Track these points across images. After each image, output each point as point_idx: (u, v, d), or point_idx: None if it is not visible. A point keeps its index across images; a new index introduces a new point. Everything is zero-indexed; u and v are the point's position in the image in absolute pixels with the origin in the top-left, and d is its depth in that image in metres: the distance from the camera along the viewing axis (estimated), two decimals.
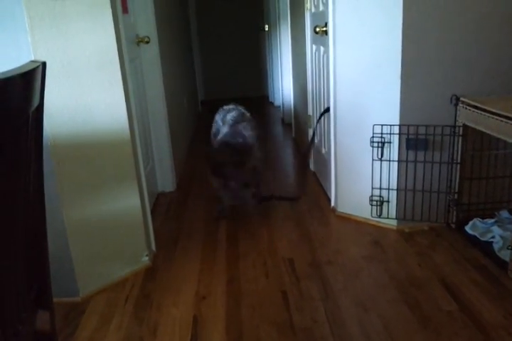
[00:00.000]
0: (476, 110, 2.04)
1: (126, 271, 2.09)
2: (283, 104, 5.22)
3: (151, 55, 2.93)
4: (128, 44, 2.23)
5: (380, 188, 2.38)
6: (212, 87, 6.88)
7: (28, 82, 0.86)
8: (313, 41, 3.01)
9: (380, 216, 2.42)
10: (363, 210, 2.48)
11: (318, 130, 3.03)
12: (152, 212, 2.72)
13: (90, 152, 1.90)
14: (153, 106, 3.00)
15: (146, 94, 2.96)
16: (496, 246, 2.05)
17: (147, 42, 2.83)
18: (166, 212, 2.82)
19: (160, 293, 1.94)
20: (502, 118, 1.85)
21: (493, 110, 1.91)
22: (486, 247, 2.09)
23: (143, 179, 2.17)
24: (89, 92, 1.84)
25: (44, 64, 0.98)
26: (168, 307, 1.84)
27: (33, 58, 1.70)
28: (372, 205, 2.42)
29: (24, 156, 0.88)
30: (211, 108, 6.28)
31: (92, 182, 1.92)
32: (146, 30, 2.86)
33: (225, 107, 2.72)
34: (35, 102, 0.93)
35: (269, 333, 1.66)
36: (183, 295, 1.92)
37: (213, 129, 2.71)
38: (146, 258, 2.15)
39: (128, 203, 2.04)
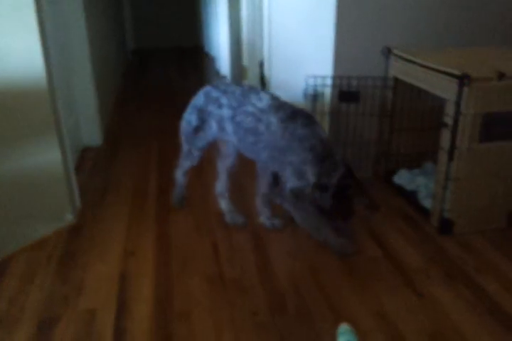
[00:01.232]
0: (406, 62, 2.04)
1: (49, 229, 1.98)
2: (219, 54, 5.04)
3: None
4: None
5: None
6: (144, 36, 6.53)
7: None
8: None
9: None
10: None
11: (251, 79, 2.94)
12: (77, 167, 2.58)
13: (3, 102, 1.75)
14: (76, 53, 2.78)
15: (69, 41, 2.72)
16: (420, 195, 2.13)
17: None
18: (93, 167, 2.69)
19: (85, 251, 1.87)
20: (429, 70, 1.86)
21: (422, 62, 1.92)
22: (411, 196, 2.16)
23: (64, 132, 2.03)
24: (1, 37, 1.68)
25: None
26: (94, 265, 1.78)
27: None
28: None
29: None
30: (141, 57, 6.01)
31: (5, 134, 1.78)
32: None
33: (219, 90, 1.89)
34: None
35: (199, 285, 1.65)
36: (109, 252, 1.86)
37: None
38: (70, 215, 2.05)
39: (47, 158, 1.92)
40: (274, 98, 1.83)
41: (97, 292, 1.63)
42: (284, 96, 2.40)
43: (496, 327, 1.45)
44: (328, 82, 2.23)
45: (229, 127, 1.84)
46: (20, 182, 1.85)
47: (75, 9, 2.71)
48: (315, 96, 2.28)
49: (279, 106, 1.79)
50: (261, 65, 2.50)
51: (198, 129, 1.94)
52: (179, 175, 2.15)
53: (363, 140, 2.34)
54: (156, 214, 2.15)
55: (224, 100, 1.83)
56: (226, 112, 1.82)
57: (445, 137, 1.82)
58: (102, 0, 3.78)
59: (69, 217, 2.04)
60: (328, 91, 2.25)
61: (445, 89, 1.79)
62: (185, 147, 2.03)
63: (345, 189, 1.72)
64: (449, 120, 1.78)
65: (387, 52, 2.17)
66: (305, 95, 2.28)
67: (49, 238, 1.95)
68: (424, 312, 1.51)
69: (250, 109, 1.78)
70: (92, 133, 2.97)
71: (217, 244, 1.89)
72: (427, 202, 2.05)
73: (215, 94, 1.87)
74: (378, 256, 1.80)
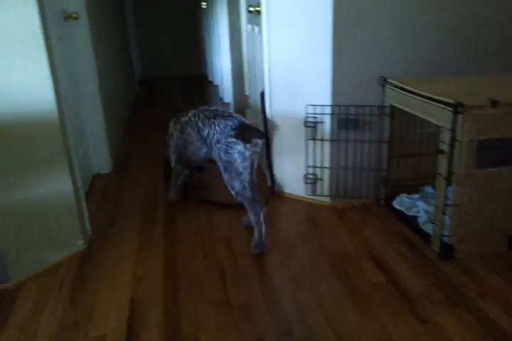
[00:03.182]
0: (401, 91, 2.13)
1: (61, 255, 2.04)
2: (222, 83, 5.18)
3: (81, 32, 2.82)
4: (54, 20, 2.13)
5: (314, 167, 2.45)
6: (150, 66, 6.71)
7: None
8: (248, 21, 3.00)
9: (314, 194, 2.50)
10: (298, 188, 2.55)
11: (253, 108, 3.01)
12: (87, 194, 2.66)
13: (15, 134, 1.82)
14: (84, 84, 2.89)
15: (77, 73, 2.84)
16: (420, 220, 2.18)
17: (76, 18, 2.70)
18: (103, 194, 2.77)
19: (96, 277, 1.92)
20: (425, 99, 1.94)
21: (416, 91, 2.00)
22: (412, 221, 2.22)
23: (75, 161, 2.11)
24: (13, 71, 1.76)
25: None
26: (104, 291, 1.83)
27: None
28: (306, 183, 2.50)
29: None
30: (149, 87, 6.17)
31: (18, 165, 1.85)
32: (74, 5, 2.73)
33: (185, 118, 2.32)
34: None
35: (206, 311, 1.69)
36: (119, 278, 1.91)
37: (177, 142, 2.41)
38: (81, 242, 2.11)
39: (59, 186, 1.99)
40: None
41: (107, 318, 1.67)
42: (285, 124, 2.50)
43: None
44: (327, 110, 2.32)
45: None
46: (33, 210, 1.92)
47: (83, 43, 2.83)
48: (315, 124, 2.36)
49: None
50: (262, 94, 2.60)
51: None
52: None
53: (363, 166, 2.42)
54: (163, 239, 2.21)
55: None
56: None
57: (442, 164, 1.89)
58: (109, 32, 3.93)
59: (80, 244, 2.10)
60: (327, 120, 2.34)
61: (440, 117, 1.86)
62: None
63: None
64: (445, 147, 1.85)
65: (383, 81, 2.27)
66: (305, 123, 2.37)
67: (60, 264, 2.01)
68: (428, 338, 1.54)
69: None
70: (101, 161, 3.06)
71: (223, 270, 1.94)
72: (427, 227, 2.10)
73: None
74: (381, 281, 1.84)
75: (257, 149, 2.08)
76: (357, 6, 2.15)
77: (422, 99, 1.96)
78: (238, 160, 2.03)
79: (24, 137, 1.85)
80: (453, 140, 1.81)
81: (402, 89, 2.12)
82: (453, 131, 1.80)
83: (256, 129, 2.10)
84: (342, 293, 1.77)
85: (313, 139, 2.39)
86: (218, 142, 2.07)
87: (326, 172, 2.44)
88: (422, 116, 2.01)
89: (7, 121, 1.79)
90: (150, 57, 6.68)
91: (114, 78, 3.90)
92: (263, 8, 2.43)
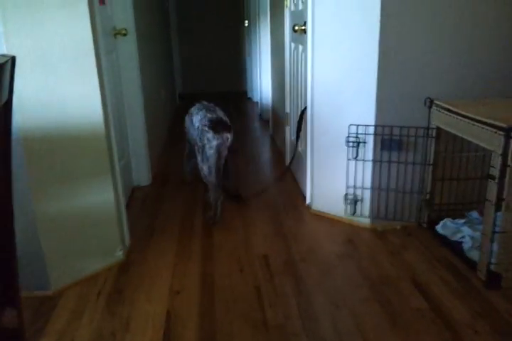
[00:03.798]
0: (448, 113, 2.08)
1: (100, 265, 2.06)
2: (261, 100, 5.22)
3: (129, 47, 2.89)
4: (104, 36, 2.20)
5: (355, 187, 2.42)
6: (191, 81, 6.84)
7: None
8: (292, 39, 3.02)
9: (353, 214, 2.46)
10: (337, 208, 2.51)
11: (296, 131, 3.02)
12: (127, 206, 2.69)
13: (64, 145, 1.87)
14: (129, 99, 2.97)
15: (123, 87, 2.92)
16: (465, 246, 2.11)
17: (124, 35, 2.79)
18: (141, 206, 2.80)
19: (133, 288, 1.93)
20: (473, 122, 1.90)
21: (465, 113, 1.96)
22: (456, 247, 2.14)
23: (117, 173, 2.15)
24: (63, 84, 1.81)
25: (13, 58, 0.95)
26: (141, 302, 1.83)
27: (5, 49, 1.66)
28: (346, 204, 2.46)
29: None
30: (189, 101, 6.27)
31: (65, 175, 1.89)
32: (124, 22, 2.82)
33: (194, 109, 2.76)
34: (3, 98, 0.91)
35: (242, 329, 1.67)
36: (156, 290, 1.91)
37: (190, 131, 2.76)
38: (120, 252, 2.13)
39: (102, 197, 2.02)
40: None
41: (143, 330, 1.67)
42: (326, 143, 2.48)
43: None
44: (371, 130, 2.29)
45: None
46: (76, 220, 1.95)
47: (129, 58, 2.91)
48: (357, 144, 2.34)
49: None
50: (302, 112, 2.62)
51: None
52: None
53: (406, 188, 2.36)
54: (201, 252, 2.21)
55: None
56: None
57: (491, 189, 1.82)
58: (154, 48, 4.04)
59: (119, 254, 2.12)
60: (370, 140, 2.31)
61: (490, 141, 1.81)
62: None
63: None
64: (495, 172, 1.79)
65: (430, 102, 2.23)
66: (347, 143, 2.35)
67: (99, 274, 2.03)
68: None
69: None
70: (141, 174, 3.11)
71: (259, 287, 1.92)
72: (472, 254, 2.02)
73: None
74: (423, 307, 1.77)
75: (222, 141, 2.40)
76: (404, 26, 2.14)
77: (471, 122, 1.91)
78: (207, 146, 2.39)
79: (72, 148, 1.89)
80: (504, 165, 1.75)
81: (449, 110, 2.08)
82: (504, 155, 1.74)
83: (228, 125, 2.44)
84: (382, 318, 1.72)
85: (355, 159, 2.37)
86: (198, 128, 2.48)
87: (367, 193, 2.39)
88: (470, 139, 1.96)
89: (58, 133, 1.84)
90: (191, 72, 6.81)
91: (157, 93, 3.98)
92: (308, 28, 2.45)
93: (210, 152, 2.38)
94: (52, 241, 1.89)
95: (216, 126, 2.39)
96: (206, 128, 2.38)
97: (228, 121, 2.49)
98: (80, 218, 1.97)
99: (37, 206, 1.82)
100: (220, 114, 2.56)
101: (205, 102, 2.77)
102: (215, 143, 2.37)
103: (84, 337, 1.64)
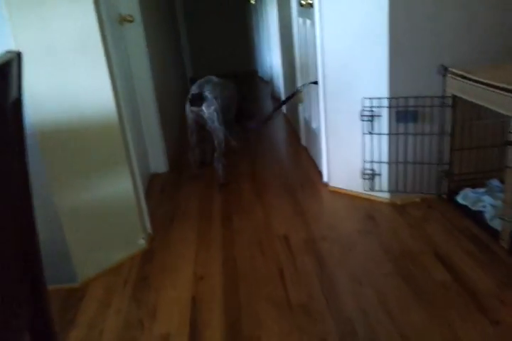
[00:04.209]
0: (464, 80, 2.02)
1: (124, 254, 2.10)
2: (272, 78, 5.15)
3: (136, 34, 2.86)
4: (111, 24, 2.18)
5: (372, 162, 2.39)
6: (201, 64, 6.77)
7: (3, 75, 0.83)
8: (299, 14, 2.95)
9: (372, 189, 2.43)
10: (355, 184, 2.49)
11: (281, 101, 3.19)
12: (146, 193, 2.71)
13: (79, 138, 1.88)
14: (140, 87, 2.96)
15: (133, 75, 2.91)
16: (487, 215, 2.07)
17: (130, 21, 2.76)
18: (160, 193, 2.83)
19: (158, 275, 1.96)
20: (490, 88, 1.84)
21: (482, 79, 1.90)
22: (478, 216, 2.11)
23: (134, 162, 2.16)
24: (73, 77, 1.81)
25: (19, 54, 0.94)
26: (166, 289, 1.86)
27: (13, 45, 1.66)
28: (364, 179, 2.43)
29: (4, 154, 0.87)
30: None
31: (82, 167, 1.91)
32: (129, 7, 2.78)
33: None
34: (13, 95, 0.91)
35: (266, 311, 1.69)
36: (180, 277, 1.94)
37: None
38: (143, 240, 2.16)
39: (120, 187, 2.04)
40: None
41: (170, 316, 1.71)
42: (340, 118, 2.44)
43: None
44: (385, 103, 2.24)
45: None
46: (97, 211, 1.98)
47: (138, 45, 2.88)
48: (372, 117, 2.29)
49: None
50: (297, 90, 2.74)
51: None
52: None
53: (424, 160, 2.32)
54: (222, 237, 2.22)
55: None
56: None
57: (511, 155, 1.78)
58: (161, 33, 3.99)
59: (141, 243, 2.15)
60: (385, 113, 2.26)
61: (509, 106, 1.75)
62: None
63: None
64: None
65: (444, 70, 2.16)
66: (361, 117, 2.30)
67: (124, 263, 2.07)
68: (501, 340, 1.46)
69: None
70: (158, 161, 3.12)
71: (282, 269, 1.93)
72: (495, 223, 1.99)
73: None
74: (447, 280, 1.76)
75: (196, 112, 2.74)
76: None
77: (488, 88, 1.85)
78: (186, 115, 2.81)
79: (87, 140, 1.91)
80: None
81: (464, 77, 2.01)
82: None
83: (202, 100, 2.70)
84: (406, 293, 1.71)
85: (371, 133, 2.33)
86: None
87: (385, 167, 2.36)
88: (487, 105, 1.90)
89: (72, 126, 1.85)
90: (200, 54, 6.74)
91: (167, 78, 3.96)
92: (315, 1, 2.38)
93: (188, 120, 2.82)
94: (76, 233, 1.92)
95: (194, 99, 2.72)
96: (187, 101, 2.76)
97: (209, 96, 2.71)
98: (101, 208, 1.99)
99: (58, 199, 1.85)
100: (206, 89, 2.74)
101: (210, 77, 2.98)
102: (189, 112, 2.77)
103: (113, 326, 1.69)
